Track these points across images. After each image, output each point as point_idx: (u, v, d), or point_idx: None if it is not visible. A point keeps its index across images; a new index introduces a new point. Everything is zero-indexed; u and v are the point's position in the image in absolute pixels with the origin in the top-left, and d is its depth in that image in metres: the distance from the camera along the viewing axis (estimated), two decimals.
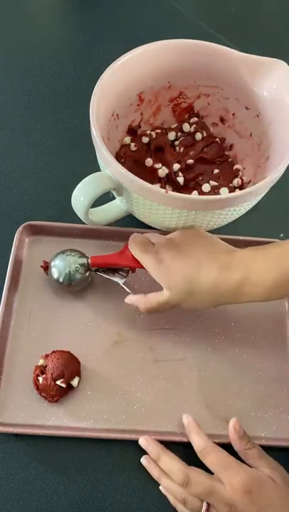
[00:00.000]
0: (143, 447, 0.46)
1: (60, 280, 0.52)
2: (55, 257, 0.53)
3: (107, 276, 0.52)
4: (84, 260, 0.52)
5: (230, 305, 0.54)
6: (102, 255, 0.52)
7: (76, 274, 0.52)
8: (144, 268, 0.48)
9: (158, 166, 0.58)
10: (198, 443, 0.45)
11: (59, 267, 0.52)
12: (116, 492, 0.46)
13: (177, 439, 0.47)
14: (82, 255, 0.53)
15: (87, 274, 0.52)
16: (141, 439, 0.46)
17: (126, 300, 0.50)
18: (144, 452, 0.47)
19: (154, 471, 0.45)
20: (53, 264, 0.52)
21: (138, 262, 0.48)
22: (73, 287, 0.52)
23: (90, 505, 0.45)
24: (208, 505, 0.42)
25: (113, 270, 0.52)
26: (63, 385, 0.47)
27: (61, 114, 0.68)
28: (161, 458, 0.45)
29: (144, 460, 0.46)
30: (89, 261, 0.52)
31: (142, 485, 0.46)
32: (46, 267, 0.54)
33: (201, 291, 0.44)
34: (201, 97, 0.59)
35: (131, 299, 0.50)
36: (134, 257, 0.49)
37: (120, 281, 0.52)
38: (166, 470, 0.45)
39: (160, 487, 0.46)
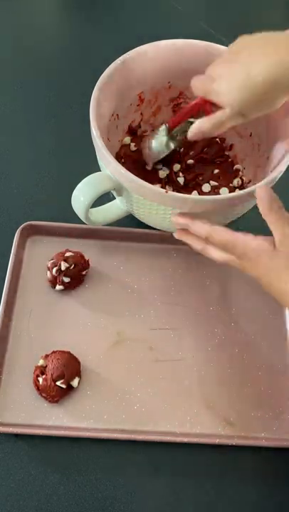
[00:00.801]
0: (174, 222, 0.47)
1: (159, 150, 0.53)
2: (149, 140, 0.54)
3: (180, 135, 0.52)
4: (163, 128, 0.52)
5: (230, 305, 0.55)
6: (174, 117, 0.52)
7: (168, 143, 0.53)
8: (211, 103, 0.46)
9: (158, 166, 0.58)
10: (268, 198, 0.42)
11: (156, 145, 0.53)
12: (116, 492, 0.46)
13: (178, 439, 0.47)
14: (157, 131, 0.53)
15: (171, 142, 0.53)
16: (172, 217, 0.47)
17: (190, 135, 0.47)
18: (143, 452, 0.47)
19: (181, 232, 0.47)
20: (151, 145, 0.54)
21: (196, 104, 0.47)
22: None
23: (90, 505, 0.45)
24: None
25: (186, 127, 0.50)
26: (63, 386, 0.47)
27: (61, 114, 0.68)
28: (191, 224, 0.45)
29: (177, 233, 0.47)
30: (166, 125, 0.52)
31: (142, 485, 0.46)
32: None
33: (257, 92, 0.42)
34: None
35: (194, 126, 0.46)
36: (200, 97, 0.47)
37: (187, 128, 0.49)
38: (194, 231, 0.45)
39: (175, 234, 0.47)
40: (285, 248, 0.40)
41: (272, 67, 0.41)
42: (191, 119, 0.49)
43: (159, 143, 0.53)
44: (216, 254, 0.45)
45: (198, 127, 0.46)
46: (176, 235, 0.48)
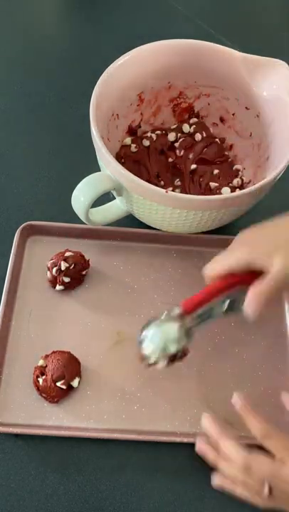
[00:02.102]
0: (204, 427, 0.45)
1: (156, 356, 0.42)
2: (147, 326, 0.44)
3: (206, 321, 0.44)
4: (176, 313, 0.42)
5: None
6: (191, 297, 0.42)
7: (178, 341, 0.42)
8: (237, 282, 0.42)
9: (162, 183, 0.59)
10: (258, 427, 0.43)
11: (153, 340, 0.42)
12: (116, 492, 0.46)
13: (178, 439, 0.47)
14: (172, 317, 0.43)
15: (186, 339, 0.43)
16: (204, 419, 0.44)
17: (247, 309, 0.41)
18: (143, 452, 0.47)
19: (211, 457, 0.44)
20: (144, 334, 0.43)
21: (225, 280, 0.42)
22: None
23: (90, 505, 0.45)
24: (270, 488, 0.41)
25: (207, 312, 0.44)
26: (64, 387, 0.47)
27: (61, 114, 0.68)
28: (222, 441, 0.43)
29: (198, 443, 0.45)
30: (180, 308, 0.42)
31: (142, 485, 0.46)
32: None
33: None
34: (201, 97, 0.59)
35: (253, 295, 0.41)
36: (222, 278, 0.42)
37: (221, 310, 0.43)
38: (227, 452, 0.43)
39: (213, 482, 0.44)
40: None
41: None
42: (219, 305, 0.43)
43: (165, 335, 0.41)
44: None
45: (254, 297, 0.41)
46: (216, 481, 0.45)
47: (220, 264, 0.43)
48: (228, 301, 0.43)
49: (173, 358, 0.43)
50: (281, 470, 0.41)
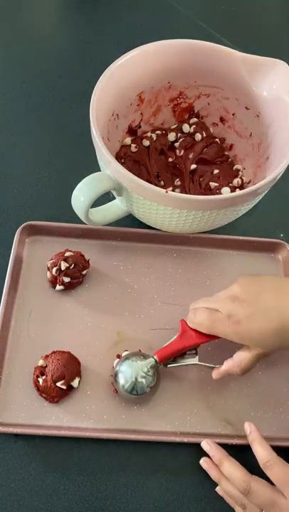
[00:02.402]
0: (206, 451, 0.46)
1: (126, 388, 0.47)
2: (119, 363, 0.48)
3: (179, 364, 0.48)
4: (150, 361, 0.47)
5: None
6: (164, 347, 0.47)
7: (146, 379, 0.47)
8: (213, 339, 0.46)
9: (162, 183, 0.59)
10: (262, 454, 0.44)
11: (126, 374, 0.47)
12: (116, 492, 0.46)
13: (177, 439, 0.47)
14: (145, 356, 0.48)
15: (154, 376, 0.48)
16: (203, 443, 0.46)
17: (215, 376, 0.48)
18: (143, 452, 0.47)
19: (214, 473, 0.45)
20: (118, 369, 0.48)
21: (205, 336, 0.46)
22: (138, 396, 0.48)
23: (90, 505, 0.45)
24: None
25: (181, 355, 0.48)
26: (64, 387, 0.47)
27: (61, 114, 0.68)
28: (224, 464, 0.44)
29: (203, 463, 0.46)
30: (155, 358, 0.47)
31: (142, 485, 0.46)
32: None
33: None
34: (201, 97, 0.59)
35: (220, 372, 0.47)
36: (199, 334, 0.46)
37: (195, 361, 0.48)
38: (227, 476, 0.44)
39: (216, 489, 0.45)
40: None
41: None
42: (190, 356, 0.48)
43: (139, 376, 0.47)
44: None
45: (227, 371, 0.47)
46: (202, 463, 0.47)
47: (204, 325, 0.46)
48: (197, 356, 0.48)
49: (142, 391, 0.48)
50: (279, 500, 0.41)
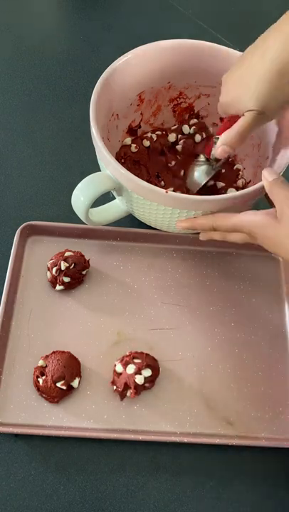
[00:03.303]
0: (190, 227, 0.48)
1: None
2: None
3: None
4: (202, 159, 0.54)
5: (230, 305, 0.55)
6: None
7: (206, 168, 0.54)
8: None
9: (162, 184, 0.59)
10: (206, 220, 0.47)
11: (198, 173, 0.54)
12: (116, 492, 0.46)
13: (177, 439, 0.47)
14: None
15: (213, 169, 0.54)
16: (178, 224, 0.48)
17: (216, 152, 0.47)
18: (143, 452, 0.47)
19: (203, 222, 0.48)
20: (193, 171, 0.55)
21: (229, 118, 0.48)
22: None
23: (90, 505, 0.45)
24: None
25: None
26: (64, 387, 0.47)
27: (61, 114, 0.68)
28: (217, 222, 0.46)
29: (202, 235, 0.50)
30: (204, 155, 0.54)
31: (142, 485, 0.46)
32: None
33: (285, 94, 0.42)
34: (201, 97, 0.59)
35: (222, 139, 0.46)
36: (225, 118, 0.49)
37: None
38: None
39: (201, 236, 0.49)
40: (286, 218, 0.41)
41: (280, 47, 0.41)
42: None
43: (201, 172, 0.55)
44: (235, 238, 0.46)
45: (223, 140, 0.46)
46: (201, 237, 0.49)
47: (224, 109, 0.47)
48: None
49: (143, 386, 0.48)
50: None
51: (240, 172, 0.60)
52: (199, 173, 0.55)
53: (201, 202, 0.46)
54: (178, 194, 0.46)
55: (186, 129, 0.61)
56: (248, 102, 0.42)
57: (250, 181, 0.58)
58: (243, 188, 0.58)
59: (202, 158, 0.54)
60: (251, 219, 0.44)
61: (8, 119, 0.68)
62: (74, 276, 0.53)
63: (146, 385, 0.48)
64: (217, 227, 0.46)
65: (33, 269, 0.55)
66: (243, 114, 0.43)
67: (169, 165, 0.60)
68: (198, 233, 0.55)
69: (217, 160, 0.52)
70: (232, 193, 0.47)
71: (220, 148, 0.46)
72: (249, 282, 0.56)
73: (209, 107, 0.60)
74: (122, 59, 0.52)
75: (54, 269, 0.52)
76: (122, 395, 0.48)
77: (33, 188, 0.62)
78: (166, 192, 0.45)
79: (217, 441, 0.47)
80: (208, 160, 0.54)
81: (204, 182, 0.55)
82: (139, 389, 0.48)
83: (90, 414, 0.48)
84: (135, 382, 0.47)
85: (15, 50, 0.75)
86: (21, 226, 0.56)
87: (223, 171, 0.60)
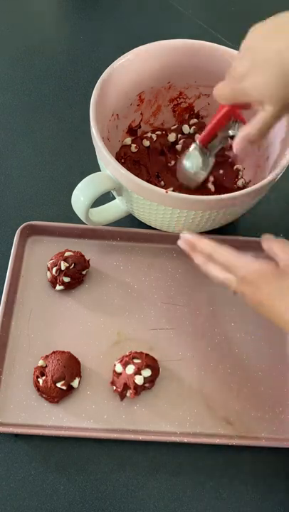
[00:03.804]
0: (190, 243, 0.45)
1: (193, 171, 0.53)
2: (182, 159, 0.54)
3: (221, 145, 0.51)
4: (194, 145, 0.52)
5: (230, 305, 0.55)
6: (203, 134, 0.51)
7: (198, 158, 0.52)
8: (239, 108, 0.45)
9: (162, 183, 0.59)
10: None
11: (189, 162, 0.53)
12: (116, 492, 0.46)
13: (177, 439, 0.47)
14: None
15: (207, 159, 0.52)
16: (180, 242, 0.46)
17: (235, 146, 0.45)
18: (143, 452, 0.47)
19: (199, 258, 0.44)
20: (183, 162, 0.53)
21: (231, 106, 0.45)
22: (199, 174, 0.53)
23: (90, 505, 0.45)
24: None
25: (220, 139, 0.51)
26: (64, 388, 0.47)
27: (61, 114, 0.68)
28: (217, 250, 0.43)
29: (182, 243, 0.46)
30: (197, 142, 0.51)
31: (142, 485, 0.46)
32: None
33: None
34: (201, 97, 0.59)
35: (240, 139, 0.44)
36: (226, 106, 0.45)
37: (234, 132, 0.48)
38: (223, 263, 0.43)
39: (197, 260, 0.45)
40: None
41: None
42: (226, 132, 0.49)
43: (195, 164, 0.53)
44: (215, 271, 0.43)
45: (244, 137, 0.43)
46: (179, 243, 0.46)
47: (227, 96, 0.44)
48: (231, 131, 0.49)
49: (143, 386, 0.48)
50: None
51: (241, 172, 0.60)
52: (194, 166, 0.53)
53: (201, 202, 0.46)
54: (178, 194, 0.46)
55: (186, 128, 0.61)
56: (274, 91, 0.39)
57: (250, 181, 0.58)
58: (243, 188, 0.58)
59: (194, 147, 0.52)
60: (250, 262, 0.41)
61: (8, 119, 0.68)
62: (74, 276, 0.53)
63: (146, 385, 0.48)
64: (214, 254, 0.43)
65: (33, 269, 0.55)
66: (262, 106, 0.40)
67: (169, 165, 0.60)
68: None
69: (211, 149, 0.51)
70: (232, 193, 0.47)
71: (239, 144, 0.44)
72: None
73: (209, 106, 0.60)
74: (122, 59, 0.52)
75: (54, 269, 0.52)
76: (122, 395, 0.48)
77: (33, 188, 0.62)
78: (166, 192, 0.45)
79: (217, 441, 0.47)
80: (202, 149, 0.52)
81: (204, 177, 0.54)
82: (138, 389, 0.48)
83: (90, 414, 0.48)
84: (135, 382, 0.47)
85: (15, 50, 0.75)
86: (21, 226, 0.56)
87: (221, 171, 0.60)
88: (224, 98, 0.44)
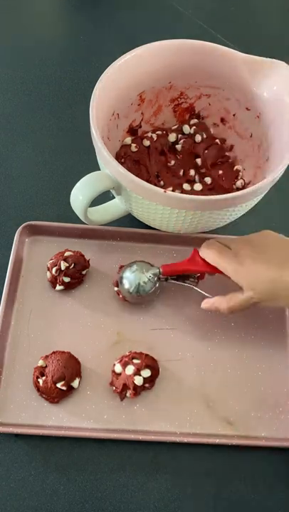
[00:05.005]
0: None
1: (131, 291, 0.52)
2: (125, 269, 0.53)
3: (178, 283, 0.52)
4: (155, 270, 0.52)
5: None
6: (172, 263, 0.52)
7: (147, 284, 0.51)
8: (216, 273, 0.49)
9: (161, 183, 0.59)
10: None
11: (130, 279, 0.52)
12: (116, 492, 0.46)
13: (178, 439, 0.47)
14: (151, 265, 0.53)
15: (157, 284, 0.52)
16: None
17: (203, 304, 0.50)
18: (143, 452, 0.47)
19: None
20: (124, 275, 0.52)
21: (210, 266, 0.49)
22: (143, 298, 0.52)
23: (90, 505, 0.45)
24: None
25: (183, 277, 0.52)
26: (64, 388, 0.47)
27: (61, 114, 0.68)
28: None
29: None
30: (160, 270, 0.51)
31: (142, 485, 0.46)
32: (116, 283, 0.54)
33: (284, 289, 0.45)
34: (202, 97, 0.59)
35: (210, 301, 0.50)
36: (206, 263, 0.49)
37: (194, 285, 0.52)
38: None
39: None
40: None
41: None
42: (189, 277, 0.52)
43: (142, 280, 0.52)
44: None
45: (215, 306, 0.49)
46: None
47: (210, 256, 0.48)
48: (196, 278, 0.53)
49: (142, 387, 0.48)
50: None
51: (240, 173, 0.60)
52: (138, 281, 0.52)
53: (200, 202, 0.46)
54: (176, 194, 0.46)
55: (186, 129, 0.61)
56: (260, 291, 0.45)
57: (249, 182, 0.58)
58: (243, 189, 0.58)
59: (156, 271, 0.52)
60: (232, 295, 0.48)
61: (8, 119, 0.68)
62: (74, 276, 0.53)
63: (146, 385, 0.48)
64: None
65: (33, 269, 0.55)
66: (243, 290, 0.46)
67: (169, 165, 0.60)
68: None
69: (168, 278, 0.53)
70: (232, 193, 0.47)
71: (208, 307, 0.50)
72: None
73: (210, 107, 0.60)
74: (122, 59, 0.52)
75: (54, 269, 0.52)
76: (122, 396, 0.48)
77: (33, 188, 0.62)
78: (165, 191, 0.45)
79: (217, 441, 0.47)
80: (160, 277, 0.52)
81: (148, 291, 0.52)
82: (138, 390, 0.48)
83: (90, 414, 0.48)
84: (134, 383, 0.47)
85: (15, 50, 0.75)
86: (21, 226, 0.56)
87: (221, 172, 0.60)
88: (210, 256, 0.48)
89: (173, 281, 0.52)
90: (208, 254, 0.48)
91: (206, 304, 0.50)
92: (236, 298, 0.47)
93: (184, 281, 0.52)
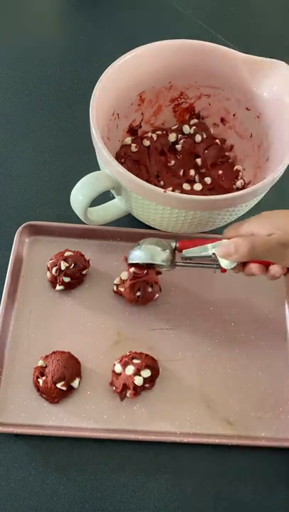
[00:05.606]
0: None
1: (144, 258, 0.49)
2: (133, 248, 0.50)
3: (195, 255, 0.47)
4: (171, 241, 0.49)
5: (230, 305, 0.55)
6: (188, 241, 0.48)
7: (161, 254, 0.48)
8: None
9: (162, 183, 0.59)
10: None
11: (144, 249, 0.49)
12: (116, 492, 0.46)
13: (178, 439, 0.47)
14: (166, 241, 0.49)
15: (170, 258, 0.48)
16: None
17: (218, 251, 0.44)
18: (143, 452, 0.47)
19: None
20: (137, 247, 0.50)
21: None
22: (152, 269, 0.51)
23: (90, 505, 0.45)
24: None
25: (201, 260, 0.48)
26: (64, 388, 0.47)
27: (61, 114, 0.68)
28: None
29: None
30: (177, 242, 0.48)
31: (142, 485, 0.46)
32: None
33: None
34: (202, 97, 0.59)
35: (226, 245, 0.44)
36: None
37: (211, 252, 0.46)
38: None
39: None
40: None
41: None
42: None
43: (158, 256, 0.49)
44: (275, 270, 0.45)
45: (233, 248, 0.44)
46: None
47: (232, 234, 0.46)
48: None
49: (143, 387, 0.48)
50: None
51: (240, 173, 0.60)
52: (151, 256, 0.49)
53: (200, 202, 0.46)
54: (176, 194, 0.46)
55: (186, 129, 0.61)
56: (283, 225, 0.44)
57: (249, 182, 0.58)
58: (243, 189, 0.58)
59: (173, 244, 0.49)
60: (252, 237, 0.44)
61: (8, 119, 0.68)
62: (74, 276, 0.53)
63: (146, 385, 0.48)
64: (254, 249, 0.43)
65: (33, 269, 0.55)
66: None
67: (169, 165, 0.60)
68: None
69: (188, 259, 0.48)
70: (232, 193, 0.47)
71: (224, 250, 0.44)
72: (249, 282, 0.56)
73: (210, 107, 0.60)
74: (122, 59, 0.52)
75: (54, 269, 0.52)
76: (122, 396, 0.48)
77: (33, 188, 0.62)
78: (165, 191, 0.45)
79: (217, 441, 0.47)
80: (175, 251, 0.49)
81: (149, 262, 0.49)
82: (138, 390, 0.48)
83: (90, 414, 0.48)
84: (134, 383, 0.47)
85: (15, 50, 0.75)
86: (21, 226, 0.56)
87: (221, 172, 0.60)
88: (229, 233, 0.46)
89: (190, 254, 0.47)
90: (227, 230, 0.46)
91: (222, 248, 0.44)
92: (259, 238, 0.43)
93: (202, 263, 0.48)
